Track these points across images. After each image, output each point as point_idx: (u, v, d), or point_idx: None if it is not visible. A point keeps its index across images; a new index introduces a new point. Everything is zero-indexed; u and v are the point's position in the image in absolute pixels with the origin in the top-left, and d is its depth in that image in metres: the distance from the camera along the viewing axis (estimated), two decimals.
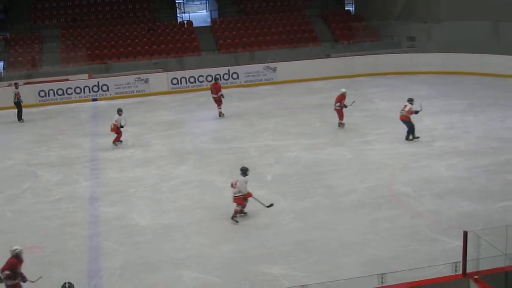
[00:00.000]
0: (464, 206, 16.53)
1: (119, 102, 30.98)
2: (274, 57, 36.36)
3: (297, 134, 24.04)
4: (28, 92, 30.43)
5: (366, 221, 16.02)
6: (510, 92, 28.81)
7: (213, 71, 33.44)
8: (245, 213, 16.61)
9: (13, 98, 28.75)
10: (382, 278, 10.55)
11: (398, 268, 12.32)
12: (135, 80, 33.18)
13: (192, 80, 33.65)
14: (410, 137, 22.13)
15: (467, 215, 15.93)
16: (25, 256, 12.67)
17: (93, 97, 32.67)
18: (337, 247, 14.70)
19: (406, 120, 22.03)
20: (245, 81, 33.85)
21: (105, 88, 32.83)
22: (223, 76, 33.06)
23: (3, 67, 35.98)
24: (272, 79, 34.26)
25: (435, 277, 11.43)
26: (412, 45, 37.69)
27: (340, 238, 15.14)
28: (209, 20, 42.65)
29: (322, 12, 41.81)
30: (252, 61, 36.42)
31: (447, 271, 11.15)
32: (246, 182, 16.30)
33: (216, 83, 27.83)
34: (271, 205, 16.69)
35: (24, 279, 12.40)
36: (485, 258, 10.99)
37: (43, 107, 31.46)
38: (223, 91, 27.51)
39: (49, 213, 17.76)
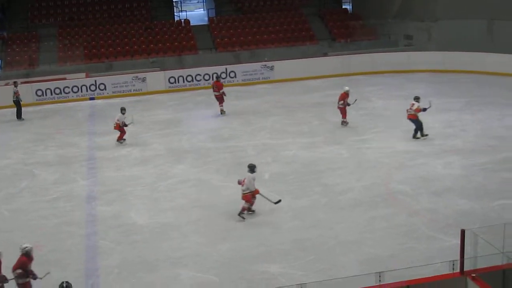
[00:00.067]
0: (461, 204, 16.56)
1: (116, 101, 31.01)
2: (271, 56, 36.32)
3: (295, 133, 24.04)
4: (25, 91, 30.34)
5: (363, 219, 16.05)
6: (507, 90, 28.83)
7: (211, 70, 33.48)
8: (253, 211, 16.61)
9: (12, 96, 28.76)
10: (379, 276, 10.56)
11: (396, 266, 12.35)
12: (133, 79, 33.13)
13: (189, 79, 33.61)
14: (418, 135, 22.15)
15: (464, 213, 15.96)
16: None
17: (91, 96, 32.62)
18: (334, 246, 14.72)
19: (414, 118, 22.06)
20: (242, 80, 33.81)
21: (102, 87, 32.77)
22: (220, 75, 33.00)
23: (1, 66, 35.92)
24: (270, 77, 34.24)
25: (432, 275, 11.45)
26: (409, 44, 37.68)
27: (337, 237, 15.16)
28: (206, 19, 42.59)
29: (319, 11, 41.76)
30: (249, 59, 36.37)
31: (445, 270, 11.17)
32: (254, 179, 16.32)
33: (218, 81, 27.98)
34: (279, 201, 16.69)
35: (34, 277, 12.44)
36: (483, 256, 11.01)
37: (40, 106, 31.40)
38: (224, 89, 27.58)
39: (46, 212, 17.77)
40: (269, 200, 16.52)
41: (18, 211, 18.02)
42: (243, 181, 16.35)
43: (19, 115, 28.91)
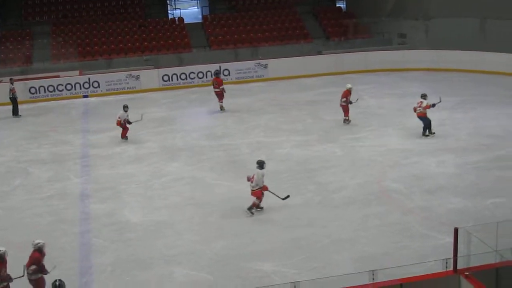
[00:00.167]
0: (454, 202, 16.60)
1: (110, 99, 31.02)
2: (265, 54, 36.33)
3: (289, 131, 24.06)
4: (18, 88, 30.24)
5: (356, 217, 16.08)
6: (500, 89, 28.90)
7: (205, 67, 33.47)
8: (261, 208, 16.61)
9: (8, 94, 28.75)
10: (373, 274, 10.58)
11: (389, 264, 12.38)
12: (126, 77, 33.07)
13: (183, 76, 33.59)
14: (427, 132, 22.18)
15: (457, 212, 16.00)
16: (16, 253, 12.66)
17: (84, 94, 32.56)
18: (328, 244, 14.74)
19: (423, 116, 22.07)
20: (236, 78, 33.78)
21: (96, 84, 32.71)
22: (214, 73, 32.96)
23: None
24: (263, 75, 34.23)
25: (426, 273, 11.47)
26: (403, 42, 37.74)
27: (331, 235, 15.18)
28: (200, 16, 42.53)
29: (313, 9, 41.79)
30: (243, 58, 36.37)
31: (438, 268, 11.19)
32: (263, 175, 16.30)
33: (217, 77, 28.11)
34: (287, 197, 16.71)
35: (45, 272, 12.43)
36: (476, 255, 11.05)
37: (33, 103, 31.33)
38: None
39: (40, 210, 17.75)
40: (277, 196, 16.53)
41: (12, 209, 17.99)
42: (252, 178, 16.32)
43: (15, 112, 28.89)
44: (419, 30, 37.02)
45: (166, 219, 16.61)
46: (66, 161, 22.03)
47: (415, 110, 22.16)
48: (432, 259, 12.32)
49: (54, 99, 31.97)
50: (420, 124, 22.24)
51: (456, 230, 10.93)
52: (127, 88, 32.92)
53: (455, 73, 32.40)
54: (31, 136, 25.50)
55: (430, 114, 22.11)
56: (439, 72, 32.83)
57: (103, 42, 37.44)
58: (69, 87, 32.48)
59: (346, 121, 24.31)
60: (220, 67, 33.27)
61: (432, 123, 22.19)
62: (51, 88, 32.30)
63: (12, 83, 28.92)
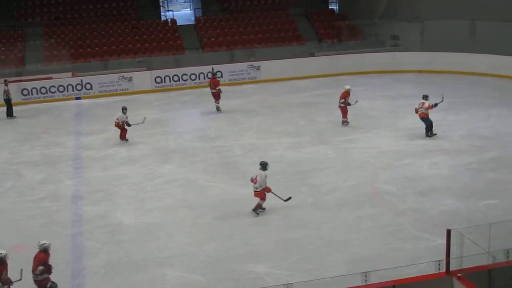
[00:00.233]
0: (447, 204, 16.61)
1: (102, 101, 30.98)
2: (258, 56, 36.37)
3: (281, 133, 24.05)
4: (11, 90, 30.19)
5: (349, 219, 16.07)
6: (492, 90, 29.02)
7: (197, 69, 33.52)
8: (264, 209, 16.59)
9: (2, 95, 28.72)
10: (366, 276, 10.57)
11: (382, 266, 12.36)
12: (119, 79, 33.06)
13: (176, 78, 33.60)
14: (429, 133, 22.20)
15: (450, 213, 16.01)
16: (9, 255, 12.59)
17: (77, 96, 32.52)
18: (320, 246, 14.73)
19: (425, 117, 22.09)
20: (229, 80, 33.79)
21: (88, 86, 32.69)
22: (207, 75, 32.96)
23: None
24: (256, 77, 34.27)
25: (418, 275, 11.47)
26: (396, 44, 37.82)
27: (323, 237, 15.17)
28: (193, 18, 42.60)
29: (306, 11, 41.86)
30: (236, 59, 36.38)
31: (431, 269, 11.19)
32: (266, 177, 16.27)
33: (214, 78, 28.36)
34: (289, 198, 16.70)
35: (51, 272, 12.43)
36: (469, 256, 11.04)
37: (26, 105, 31.26)
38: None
39: (32, 212, 17.68)
40: (279, 197, 16.52)
41: (4, 211, 17.92)
42: (255, 179, 16.30)
43: (10, 113, 28.84)
44: (411, 32, 37.09)
45: (159, 221, 16.57)
46: (59, 163, 21.97)
47: (416, 111, 22.18)
48: (425, 260, 12.33)
49: (47, 101, 31.95)
50: (415, 125, 22.28)
51: (448, 232, 10.94)
52: (120, 90, 32.89)
53: (447, 74, 32.47)
54: (23, 138, 25.44)
55: (430, 114, 22.16)
56: (431, 74, 32.91)
57: (95, 44, 37.40)
58: (61, 89, 32.45)
59: (345, 122, 24.29)
60: (212, 68, 33.26)
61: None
62: (43, 90, 32.28)
63: (6, 85, 28.92)
